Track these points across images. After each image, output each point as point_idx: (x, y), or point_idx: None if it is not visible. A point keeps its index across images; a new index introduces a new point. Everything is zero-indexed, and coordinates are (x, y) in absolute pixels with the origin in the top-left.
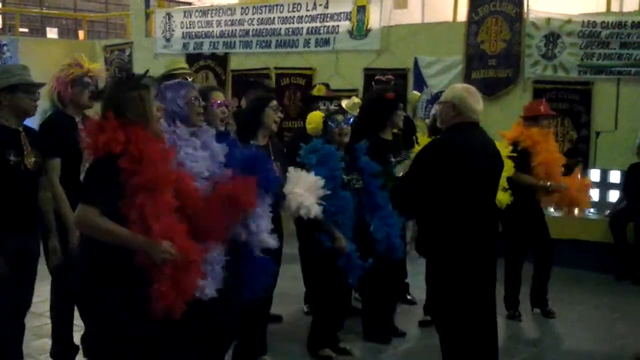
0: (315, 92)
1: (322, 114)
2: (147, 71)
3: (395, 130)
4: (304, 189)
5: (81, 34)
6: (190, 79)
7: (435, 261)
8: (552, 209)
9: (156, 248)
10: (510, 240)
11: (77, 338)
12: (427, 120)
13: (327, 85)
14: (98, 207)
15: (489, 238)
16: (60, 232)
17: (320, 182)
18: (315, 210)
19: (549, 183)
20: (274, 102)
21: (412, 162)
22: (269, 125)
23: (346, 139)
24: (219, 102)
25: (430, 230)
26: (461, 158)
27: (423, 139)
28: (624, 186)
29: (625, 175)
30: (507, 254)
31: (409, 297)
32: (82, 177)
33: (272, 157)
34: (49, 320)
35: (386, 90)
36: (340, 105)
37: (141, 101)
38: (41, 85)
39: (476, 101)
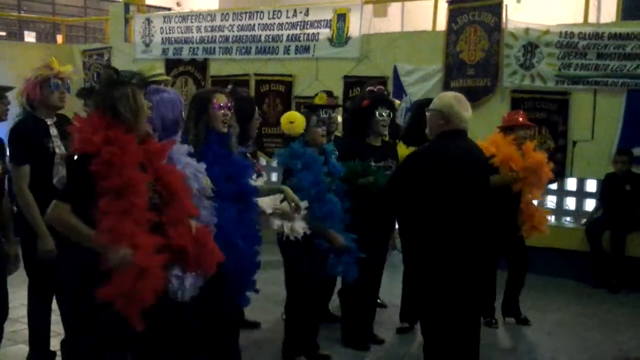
0: (317, 100)
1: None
2: (116, 69)
3: (385, 138)
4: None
5: (59, 38)
6: (168, 86)
7: (417, 267)
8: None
9: (113, 252)
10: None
11: (55, 344)
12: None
13: (329, 93)
14: (69, 203)
15: (474, 248)
16: (33, 238)
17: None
18: (301, 230)
19: (514, 172)
20: (256, 112)
21: (399, 166)
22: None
23: (323, 139)
24: (220, 104)
25: (414, 238)
26: (449, 167)
27: (400, 146)
28: (601, 195)
29: (602, 185)
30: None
31: (379, 300)
32: (54, 180)
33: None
34: (24, 326)
35: (363, 97)
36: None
37: (134, 97)
38: (9, 88)
39: (465, 109)
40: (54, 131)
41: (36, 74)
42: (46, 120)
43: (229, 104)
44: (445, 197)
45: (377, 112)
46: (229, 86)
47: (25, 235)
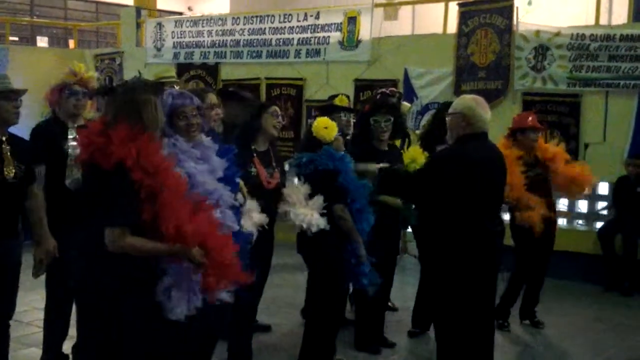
0: (337, 101)
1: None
2: (140, 74)
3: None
4: (305, 204)
5: (71, 42)
6: (178, 88)
7: (436, 270)
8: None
9: (189, 255)
10: (519, 253)
11: (67, 347)
12: (418, 132)
13: (347, 97)
14: (127, 226)
15: (490, 251)
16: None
17: (320, 199)
18: (321, 224)
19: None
20: (274, 107)
21: (423, 167)
22: (269, 130)
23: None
24: (213, 103)
25: (434, 239)
26: (472, 170)
27: (415, 149)
28: (613, 199)
29: (614, 188)
30: (516, 266)
31: (389, 304)
32: (67, 181)
33: (273, 163)
34: (36, 329)
35: (366, 102)
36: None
37: (155, 106)
38: (22, 92)
39: (485, 111)
40: (72, 134)
41: (59, 80)
42: (67, 123)
43: (217, 103)
44: (466, 200)
45: (372, 119)
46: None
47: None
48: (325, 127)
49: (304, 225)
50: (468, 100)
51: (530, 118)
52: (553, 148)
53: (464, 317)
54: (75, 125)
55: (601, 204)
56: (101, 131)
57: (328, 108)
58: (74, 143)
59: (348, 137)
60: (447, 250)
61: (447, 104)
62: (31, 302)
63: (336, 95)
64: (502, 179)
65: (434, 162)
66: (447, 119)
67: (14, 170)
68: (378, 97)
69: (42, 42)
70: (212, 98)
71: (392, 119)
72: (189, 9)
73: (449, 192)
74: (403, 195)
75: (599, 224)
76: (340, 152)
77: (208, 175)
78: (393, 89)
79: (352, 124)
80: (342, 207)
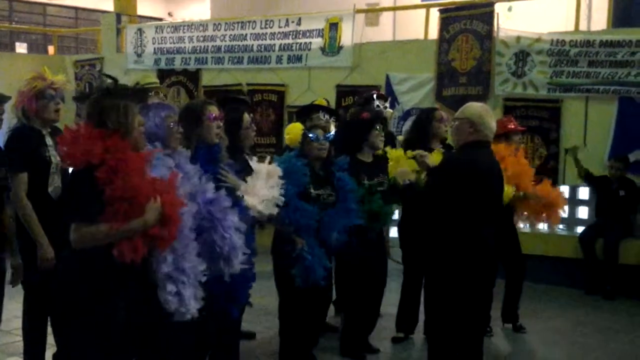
0: (317, 102)
1: (302, 127)
2: (117, 80)
3: (379, 152)
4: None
5: (51, 49)
6: (161, 94)
7: (432, 274)
8: (522, 225)
9: (149, 214)
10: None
11: (48, 355)
12: (400, 137)
13: (327, 102)
14: (90, 221)
15: (488, 259)
16: (32, 247)
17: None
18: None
19: (522, 192)
20: (246, 118)
21: (434, 174)
22: (246, 145)
23: (323, 154)
24: (214, 115)
25: (435, 243)
26: (478, 178)
27: (393, 152)
28: (597, 196)
29: (596, 185)
30: None
31: None
32: (50, 189)
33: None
34: (18, 338)
35: (361, 108)
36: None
37: (124, 111)
38: (7, 98)
39: (492, 120)
40: (49, 141)
41: (31, 86)
42: (41, 130)
43: (220, 115)
44: (467, 206)
45: (376, 127)
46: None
47: (23, 245)
48: (287, 133)
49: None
50: (477, 108)
51: (511, 122)
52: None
53: (458, 322)
54: (49, 131)
55: (582, 209)
56: (74, 134)
57: (305, 108)
58: (54, 151)
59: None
60: (444, 255)
61: (427, 111)
62: (12, 310)
63: (316, 100)
64: (501, 186)
65: (443, 167)
66: (454, 124)
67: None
68: (373, 98)
69: (21, 48)
70: (213, 109)
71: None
72: (169, 14)
73: (456, 197)
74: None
75: (579, 229)
76: (296, 158)
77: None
78: (374, 91)
79: (331, 125)
80: None
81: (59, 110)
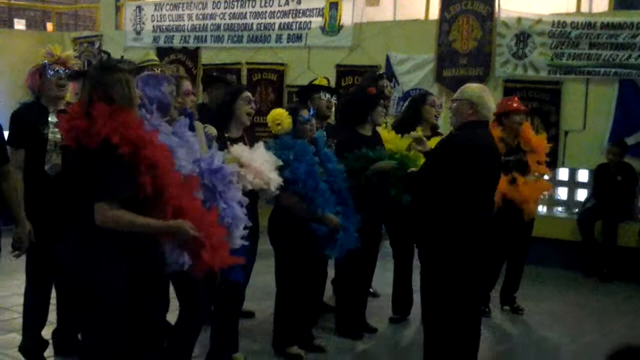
0: (317, 83)
1: (285, 111)
2: (122, 57)
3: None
4: (259, 164)
5: (50, 26)
6: (159, 71)
7: (430, 257)
8: None
9: (182, 229)
10: (494, 239)
11: (47, 333)
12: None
13: (327, 80)
14: (116, 200)
15: (482, 237)
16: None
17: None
18: (276, 183)
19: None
20: (246, 93)
21: (432, 154)
22: (241, 117)
23: (313, 133)
24: (189, 90)
25: (431, 224)
26: (477, 158)
27: (385, 133)
28: (593, 186)
29: (594, 176)
30: (491, 250)
31: (371, 290)
32: (46, 167)
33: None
34: (16, 315)
35: (369, 85)
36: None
37: (127, 84)
38: None
39: (491, 100)
40: (53, 118)
41: (37, 63)
42: (48, 107)
43: (193, 90)
44: (466, 187)
45: (381, 102)
46: (214, 73)
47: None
48: (277, 123)
49: (263, 186)
50: (476, 88)
51: (514, 101)
52: (536, 139)
53: (453, 302)
54: (57, 109)
55: (581, 192)
56: (82, 113)
57: (306, 89)
58: (55, 129)
59: (330, 121)
60: (440, 235)
61: (421, 94)
62: (11, 287)
63: (316, 79)
64: (498, 167)
65: (443, 147)
66: (453, 104)
67: None
68: (383, 77)
69: (19, 25)
70: (188, 84)
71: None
72: None
73: (455, 177)
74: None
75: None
76: (294, 140)
77: (185, 151)
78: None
79: (333, 104)
80: (286, 195)
81: (63, 85)
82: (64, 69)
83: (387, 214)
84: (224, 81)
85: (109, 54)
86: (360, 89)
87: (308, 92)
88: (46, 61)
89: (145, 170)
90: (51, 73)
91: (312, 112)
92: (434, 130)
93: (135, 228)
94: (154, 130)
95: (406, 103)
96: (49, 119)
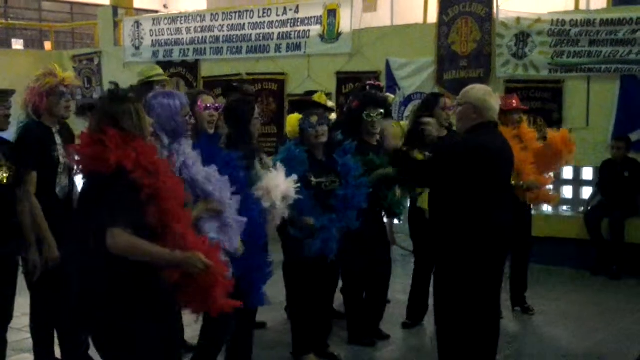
0: (316, 97)
1: (299, 116)
2: (117, 84)
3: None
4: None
5: (47, 44)
6: (167, 87)
7: (446, 260)
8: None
9: (194, 260)
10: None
11: (58, 352)
12: (403, 122)
13: (328, 95)
14: (128, 227)
15: (500, 240)
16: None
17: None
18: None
19: (521, 182)
20: (257, 110)
21: (434, 157)
22: (255, 134)
23: (323, 139)
24: (207, 105)
25: (446, 229)
26: (487, 161)
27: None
28: (598, 183)
29: (599, 172)
30: None
31: None
32: (57, 189)
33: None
34: (28, 335)
35: (352, 95)
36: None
37: (137, 114)
38: (11, 92)
39: (495, 101)
40: (58, 139)
41: (42, 83)
42: (51, 127)
43: (216, 105)
44: (478, 190)
45: (364, 114)
46: (235, 84)
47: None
48: (288, 126)
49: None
50: (479, 91)
51: (514, 100)
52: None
53: (470, 309)
54: (58, 129)
55: (586, 190)
56: (94, 140)
57: (298, 102)
58: (62, 150)
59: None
60: (458, 240)
61: (435, 96)
62: (23, 308)
63: (314, 92)
64: (511, 168)
65: (449, 152)
66: (457, 109)
67: (9, 174)
68: (366, 89)
69: (17, 44)
70: (207, 99)
71: (383, 112)
72: (165, 6)
73: (465, 182)
74: (413, 178)
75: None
76: (296, 147)
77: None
78: (379, 82)
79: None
80: None
81: (69, 107)
82: (67, 90)
83: (412, 220)
84: (241, 91)
85: (117, 84)
86: (348, 109)
87: (300, 106)
88: (52, 82)
89: (152, 200)
90: (58, 96)
91: (326, 118)
92: (450, 129)
93: (149, 256)
94: (167, 157)
95: (419, 104)
96: (55, 139)
